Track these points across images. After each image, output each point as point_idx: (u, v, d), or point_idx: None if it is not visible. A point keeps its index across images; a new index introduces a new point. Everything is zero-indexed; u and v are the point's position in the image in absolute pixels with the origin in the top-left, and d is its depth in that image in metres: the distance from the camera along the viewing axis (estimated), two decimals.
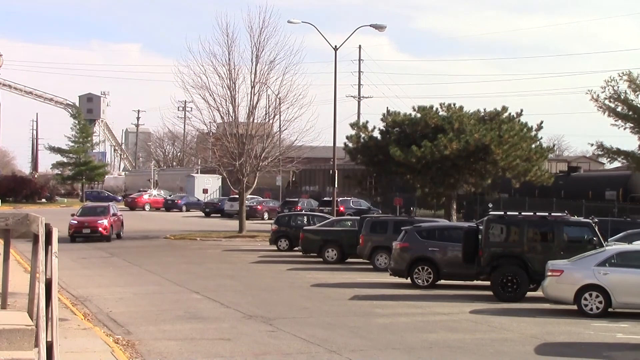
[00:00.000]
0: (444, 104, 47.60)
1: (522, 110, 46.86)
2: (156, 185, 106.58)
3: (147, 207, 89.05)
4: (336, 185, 52.51)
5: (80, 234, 46.49)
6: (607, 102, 47.05)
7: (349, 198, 66.55)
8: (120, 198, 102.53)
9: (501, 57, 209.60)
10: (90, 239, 46.37)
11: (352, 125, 49.65)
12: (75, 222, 46.96)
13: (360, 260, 35.47)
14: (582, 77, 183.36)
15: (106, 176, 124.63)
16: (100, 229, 46.48)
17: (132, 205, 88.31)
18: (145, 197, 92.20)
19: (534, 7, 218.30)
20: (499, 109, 46.95)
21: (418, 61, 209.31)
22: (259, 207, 73.84)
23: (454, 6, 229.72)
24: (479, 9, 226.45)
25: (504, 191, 58.78)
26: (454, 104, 47.49)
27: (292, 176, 59.43)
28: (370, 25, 51.78)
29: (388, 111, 48.33)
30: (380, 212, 60.65)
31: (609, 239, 30.85)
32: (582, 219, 28.42)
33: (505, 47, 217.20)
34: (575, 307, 22.35)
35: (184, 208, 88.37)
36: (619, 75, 46.78)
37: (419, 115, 46.83)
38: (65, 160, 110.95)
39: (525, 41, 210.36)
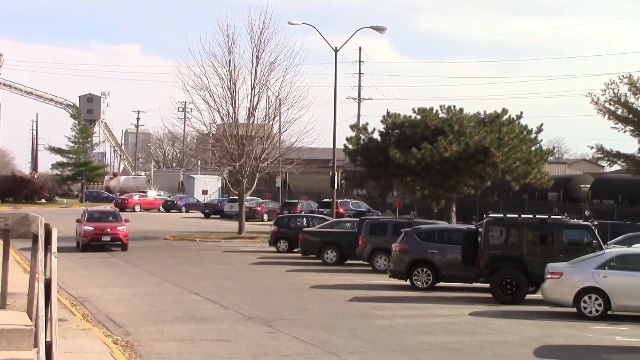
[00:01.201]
0: (444, 106, 47.58)
1: (522, 113, 46.88)
2: (181, 188, 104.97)
3: (137, 208, 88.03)
4: (336, 187, 52.48)
5: (98, 242, 41.40)
6: (607, 105, 47.00)
7: (349, 200, 66.53)
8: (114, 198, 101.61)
9: (501, 59, 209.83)
10: (107, 248, 42.03)
11: (352, 127, 49.63)
12: (91, 228, 41.58)
13: (360, 262, 35.48)
14: (581, 80, 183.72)
15: (124, 176, 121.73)
16: (120, 235, 41.69)
17: (122, 206, 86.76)
18: (135, 197, 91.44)
19: (533, 10, 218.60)
20: (499, 111, 46.92)
21: (418, 63, 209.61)
22: (258, 208, 73.86)
23: (453, 8, 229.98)
24: (478, 11, 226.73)
25: (611, 198, 54.66)
26: (454, 106, 47.48)
27: (341, 177, 57.08)
28: (370, 27, 51.77)
29: (388, 113, 48.34)
30: (380, 213, 60.67)
31: (608, 242, 30.87)
32: (581, 222, 28.41)
33: (504, 49, 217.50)
34: (574, 309, 22.36)
35: (183, 209, 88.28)
36: (619, 78, 46.76)
37: (418, 117, 46.81)
38: (65, 160, 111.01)
39: (525, 43, 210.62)
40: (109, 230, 41.67)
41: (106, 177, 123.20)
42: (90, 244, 41.23)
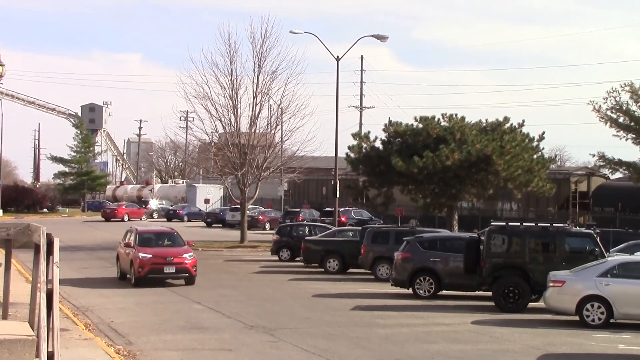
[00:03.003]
0: (445, 114, 47.64)
1: (523, 121, 46.94)
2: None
3: (126, 218, 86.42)
4: (337, 196, 52.45)
5: (159, 274, 30.95)
6: (609, 113, 46.99)
7: (351, 208, 66.49)
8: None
9: (502, 67, 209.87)
10: (167, 282, 31.61)
11: (354, 136, 49.66)
12: (149, 255, 30.82)
13: (362, 270, 35.46)
14: (583, 88, 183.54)
15: (159, 185, 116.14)
16: (187, 265, 31.08)
17: (111, 216, 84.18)
18: (124, 207, 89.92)
19: (534, 18, 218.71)
20: (501, 119, 46.99)
21: (419, 71, 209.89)
22: (260, 217, 73.74)
23: (453, 17, 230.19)
24: (479, 20, 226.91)
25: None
26: (456, 115, 47.53)
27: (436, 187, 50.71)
28: (372, 36, 51.76)
29: (390, 121, 48.39)
30: (382, 222, 60.61)
31: (610, 250, 30.85)
32: (583, 230, 28.40)
33: (506, 58, 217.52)
34: (577, 318, 22.35)
35: (185, 218, 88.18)
36: (621, 86, 46.75)
37: (420, 125, 46.87)
38: (67, 170, 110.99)
39: (526, 52, 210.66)
40: (172, 258, 31.12)
41: (137, 186, 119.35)
42: (148, 277, 30.81)
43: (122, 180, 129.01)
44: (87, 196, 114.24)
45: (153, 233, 34.26)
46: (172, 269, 30.97)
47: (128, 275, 32.08)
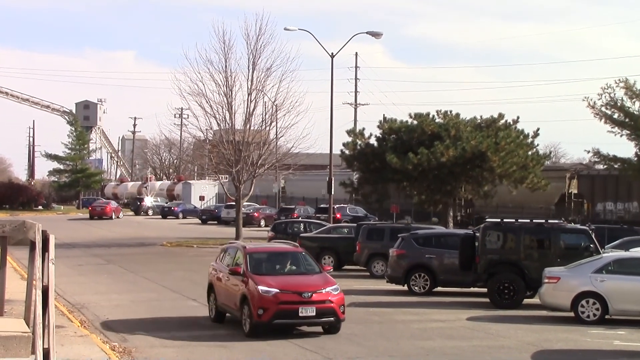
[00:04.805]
0: (440, 111, 47.71)
1: (518, 118, 47.06)
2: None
3: (113, 216, 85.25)
4: (332, 192, 52.44)
5: (292, 318, 19.64)
6: (603, 109, 47.06)
7: (346, 205, 66.53)
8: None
9: (496, 64, 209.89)
10: (301, 331, 20.50)
11: (349, 132, 49.70)
12: (276, 290, 19.53)
13: (357, 267, 35.43)
14: (577, 85, 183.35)
15: (192, 182, 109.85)
16: (333, 305, 19.70)
17: (100, 214, 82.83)
18: (113, 205, 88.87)
19: (528, 15, 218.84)
20: (496, 116, 47.09)
21: (413, 68, 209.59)
22: (255, 214, 73.73)
23: (447, 14, 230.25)
24: (472, 17, 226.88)
25: None
26: (451, 111, 47.62)
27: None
28: (366, 33, 51.73)
29: (384, 118, 48.43)
30: (377, 219, 60.61)
31: (605, 246, 30.87)
32: (578, 226, 28.43)
33: (500, 55, 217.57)
34: (572, 314, 22.37)
35: (180, 215, 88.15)
36: (616, 83, 46.81)
37: (415, 122, 46.93)
38: (61, 167, 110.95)
39: (520, 48, 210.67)
40: (311, 294, 19.68)
41: (168, 182, 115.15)
42: (273, 322, 19.53)
43: (149, 176, 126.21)
44: (98, 193, 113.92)
45: (270, 253, 22.37)
46: (310, 311, 19.54)
47: (227, 315, 21.96)
